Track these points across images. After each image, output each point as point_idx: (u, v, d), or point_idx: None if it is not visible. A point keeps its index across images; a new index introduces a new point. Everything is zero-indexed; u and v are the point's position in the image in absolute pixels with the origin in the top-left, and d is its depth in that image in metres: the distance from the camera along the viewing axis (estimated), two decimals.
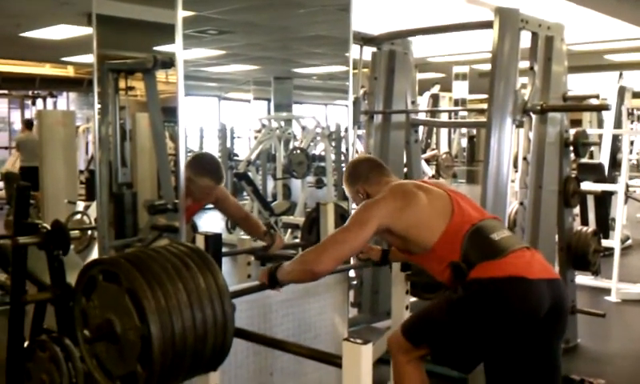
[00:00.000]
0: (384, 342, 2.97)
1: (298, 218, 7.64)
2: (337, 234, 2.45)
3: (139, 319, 1.72)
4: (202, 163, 3.56)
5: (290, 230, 7.85)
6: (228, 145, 11.09)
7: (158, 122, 4.90)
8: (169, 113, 3.77)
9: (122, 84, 4.47)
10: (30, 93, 15.18)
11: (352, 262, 3.16)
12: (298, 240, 5.11)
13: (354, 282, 5.08)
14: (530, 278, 2.25)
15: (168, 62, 3.56)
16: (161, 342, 1.70)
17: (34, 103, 15.37)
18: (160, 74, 4.35)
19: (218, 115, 17.49)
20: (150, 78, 4.22)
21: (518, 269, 2.26)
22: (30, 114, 14.65)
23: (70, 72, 14.47)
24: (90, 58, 3.90)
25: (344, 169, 2.77)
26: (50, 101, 15.20)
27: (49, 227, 3.73)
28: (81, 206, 6.61)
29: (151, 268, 1.78)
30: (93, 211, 5.69)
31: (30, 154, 9.99)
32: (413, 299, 3.21)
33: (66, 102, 16.24)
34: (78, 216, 6.24)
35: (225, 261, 2.77)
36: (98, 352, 1.87)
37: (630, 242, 8.24)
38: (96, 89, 4.01)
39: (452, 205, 2.40)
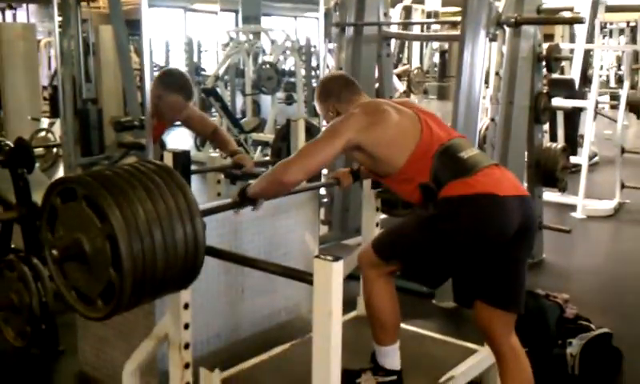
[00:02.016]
0: (354, 258, 2.99)
1: (268, 135, 7.58)
2: (307, 146, 2.44)
3: (112, 258, 1.68)
4: (170, 79, 3.43)
5: (259, 148, 7.80)
6: (195, 59, 10.88)
7: (122, 35, 4.76)
8: (133, 25, 3.64)
9: None
10: None
11: (323, 180, 3.15)
12: (268, 157, 5.08)
13: (325, 200, 5.10)
14: (501, 195, 2.25)
15: None
16: (130, 260, 1.66)
17: None
18: None
19: (184, 28, 17.04)
20: None
21: (488, 186, 2.26)
22: None
23: None
24: None
25: (315, 84, 2.72)
26: (8, 13, 14.59)
27: (12, 145, 3.64)
28: (45, 122, 6.47)
29: (118, 186, 1.73)
30: (57, 128, 5.57)
31: None
32: (383, 216, 3.22)
33: (25, 14, 15.64)
34: (43, 133, 6.12)
35: (194, 179, 2.72)
36: (67, 272, 1.83)
37: (596, 158, 8.36)
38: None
39: (421, 124, 2.37)
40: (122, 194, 1.70)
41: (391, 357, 2.43)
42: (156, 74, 3.64)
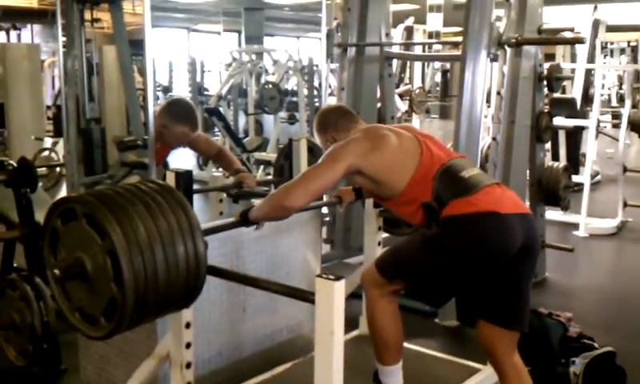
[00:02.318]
0: (356, 277, 2.99)
1: (271, 155, 7.59)
2: (308, 170, 2.47)
3: (114, 274, 1.69)
4: (177, 109, 3.44)
5: (262, 167, 7.81)
6: (198, 79, 10.89)
7: (125, 55, 4.79)
8: (137, 46, 3.67)
9: (87, 15, 4.34)
10: None
11: (325, 199, 3.15)
12: (270, 177, 5.08)
13: (327, 219, 5.10)
14: (503, 213, 2.26)
15: None
16: (131, 273, 1.67)
17: None
18: (127, 5, 4.21)
19: (187, 48, 17.14)
20: (116, 9, 4.10)
21: (490, 204, 2.27)
22: None
23: (33, 3, 13.99)
24: None
25: (317, 104, 2.75)
26: (13, 34, 14.70)
27: (15, 164, 3.66)
28: (48, 142, 6.50)
29: (118, 203, 1.74)
30: (61, 148, 5.59)
31: None
32: (385, 235, 3.22)
33: (30, 34, 15.75)
34: (46, 153, 6.14)
35: (196, 198, 2.73)
36: (69, 291, 1.83)
37: (599, 177, 8.36)
38: (59, 20, 3.89)
39: (421, 147, 2.40)
40: (121, 211, 1.71)
41: (394, 376, 2.42)
42: (159, 93, 3.67)
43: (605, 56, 12.57)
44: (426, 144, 2.42)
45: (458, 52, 4.33)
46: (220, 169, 3.74)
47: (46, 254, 1.85)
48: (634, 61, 14.49)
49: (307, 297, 1.85)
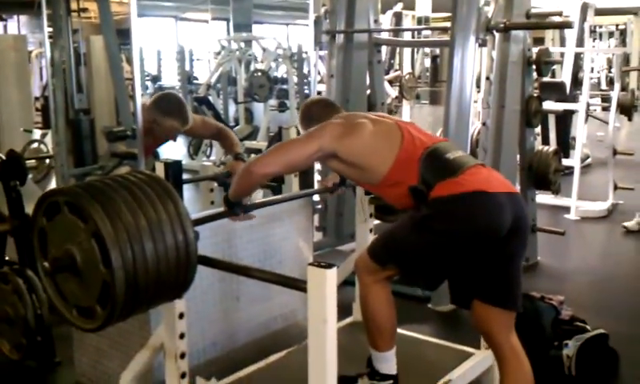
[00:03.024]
0: (349, 264, 3.00)
1: (261, 143, 7.58)
2: (280, 143, 2.56)
3: (101, 256, 1.68)
4: (167, 105, 3.41)
5: (252, 155, 7.78)
6: (187, 68, 10.86)
7: (113, 45, 4.77)
8: (124, 35, 3.64)
9: (74, 5, 4.30)
10: None
11: (315, 186, 3.16)
12: None
13: (319, 207, 5.11)
14: (490, 192, 2.27)
15: None
16: (122, 272, 1.66)
17: None
18: None
19: (175, 37, 17.05)
20: None
21: (477, 184, 2.28)
22: None
23: None
24: None
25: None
26: None
27: (4, 157, 3.63)
28: (37, 133, 6.45)
29: (110, 198, 1.73)
30: (50, 139, 5.55)
31: None
32: (376, 222, 3.23)
33: (16, 25, 15.61)
34: (35, 145, 6.09)
35: (187, 187, 2.73)
36: (59, 282, 1.83)
37: (589, 160, 8.40)
38: (45, 10, 3.85)
39: (401, 132, 2.42)
40: (105, 198, 1.71)
41: (388, 362, 2.43)
42: (148, 82, 3.64)
43: (594, 39, 12.61)
44: (407, 129, 2.44)
45: (447, 37, 4.32)
46: (211, 157, 3.72)
47: (38, 256, 1.85)
48: (623, 44, 14.54)
49: (299, 286, 1.85)
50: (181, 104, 3.46)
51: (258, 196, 3.77)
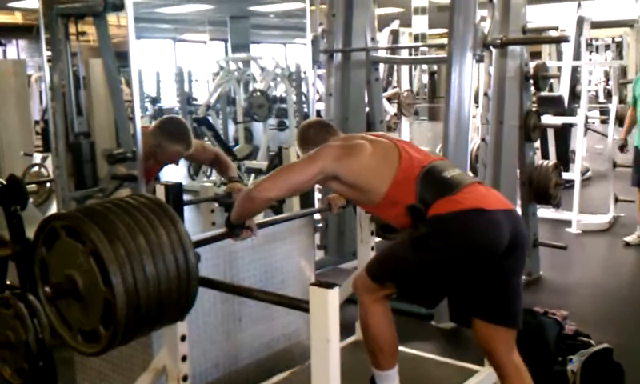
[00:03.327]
0: (350, 283, 2.98)
1: (261, 162, 7.58)
2: (281, 167, 2.55)
3: (101, 275, 1.68)
4: (171, 129, 3.42)
5: (253, 175, 7.80)
6: (186, 89, 10.88)
7: (112, 68, 4.76)
8: (123, 57, 3.65)
9: (72, 29, 4.32)
10: None
11: (317, 205, 3.16)
12: None
13: (320, 225, 5.10)
14: (488, 209, 2.28)
15: (118, 4, 3.44)
16: (124, 297, 1.67)
17: None
18: (112, 18, 4.18)
19: (174, 58, 17.12)
20: (101, 22, 4.07)
21: (475, 201, 2.29)
22: None
23: (18, 18, 13.92)
24: (37, 3, 3.74)
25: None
26: None
27: (4, 182, 3.63)
28: (38, 157, 6.46)
29: (108, 219, 1.74)
30: (50, 163, 5.56)
31: None
32: (378, 240, 3.22)
33: (15, 50, 15.69)
34: (36, 168, 6.10)
35: (188, 208, 2.73)
36: (61, 308, 1.83)
37: (589, 173, 8.40)
38: (43, 35, 3.87)
39: (399, 151, 2.43)
40: (99, 216, 1.72)
41: (390, 381, 2.43)
42: (147, 104, 3.65)
43: (590, 53, 12.64)
44: (404, 148, 2.46)
45: (444, 54, 4.34)
46: (212, 177, 3.73)
47: (40, 285, 1.85)
48: (620, 56, 14.59)
49: (301, 306, 1.84)
50: (185, 129, 3.47)
51: (259, 216, 3.77)
